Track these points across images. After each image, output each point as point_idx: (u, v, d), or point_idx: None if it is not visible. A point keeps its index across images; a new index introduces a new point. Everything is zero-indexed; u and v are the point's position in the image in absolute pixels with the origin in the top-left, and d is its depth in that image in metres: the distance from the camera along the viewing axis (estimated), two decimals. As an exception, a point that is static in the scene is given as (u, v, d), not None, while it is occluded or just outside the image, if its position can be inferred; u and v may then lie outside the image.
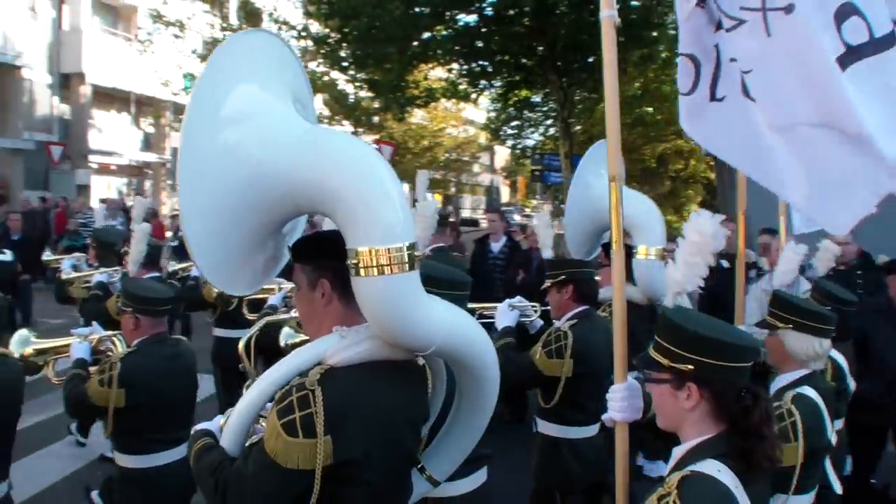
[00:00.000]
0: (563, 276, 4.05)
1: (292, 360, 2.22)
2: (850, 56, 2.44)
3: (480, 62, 17.99)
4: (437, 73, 21.58)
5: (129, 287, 3.94)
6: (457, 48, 16.78)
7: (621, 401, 2.52)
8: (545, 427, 4.05)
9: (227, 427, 2.26)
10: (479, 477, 3.36)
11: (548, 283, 4.13)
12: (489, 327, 3.70)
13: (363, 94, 24.32)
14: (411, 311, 2.12)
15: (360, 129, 27.58)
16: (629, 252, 4.47)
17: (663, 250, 4.60)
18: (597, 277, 4.44)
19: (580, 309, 4.05)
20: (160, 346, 3.85)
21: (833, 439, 3.27)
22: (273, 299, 4.43)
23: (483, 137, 37.94)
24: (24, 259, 9.54)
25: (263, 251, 2.40)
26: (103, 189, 30.82)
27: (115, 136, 31.64)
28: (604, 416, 2.65)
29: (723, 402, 2.05)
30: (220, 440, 2.29)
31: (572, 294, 4.05)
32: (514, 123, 26.06)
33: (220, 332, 6.15)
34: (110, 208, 17.82)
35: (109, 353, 4.02)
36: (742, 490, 1.97)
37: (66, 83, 29.26)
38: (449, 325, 2.23)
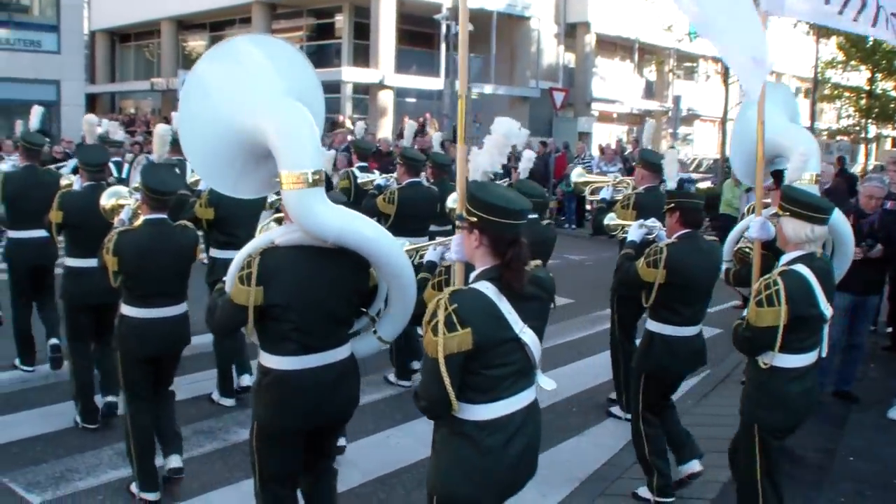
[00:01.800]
0: (672, 204, 4.89)
1: (260, 239, 3.51)
2: None
3: None
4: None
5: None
6: None
7: (456, 245, 3.25)
8: (648, 323, 5.00)
9: (227, 275, 3.47)
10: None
11: (664, 209, 5.00)
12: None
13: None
14: (309, 214, 3.25)
15: (879, 75, 23.63)
16: (783, 176, 5.38)
17: (816, 176, 5.37)
18: (767, 200, 5.61)
19: (684, 231, 4.82)
20: None
21: (828, 312, 3.88)
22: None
23: None
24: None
25: (260, 171, 3.59)
26: (604, 136, 31.56)
27: (617, 84, 32.30)
28: (446, 255, 3.78)
29: (495, 245, 2.86)
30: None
31: (678, 219, 4.82)
32: None
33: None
34: (606, 155, 18.00)
35: None
36: (505, 302, 2.80)
37: (571, 32, 30.60)
38: (339, 225, 3.32)
